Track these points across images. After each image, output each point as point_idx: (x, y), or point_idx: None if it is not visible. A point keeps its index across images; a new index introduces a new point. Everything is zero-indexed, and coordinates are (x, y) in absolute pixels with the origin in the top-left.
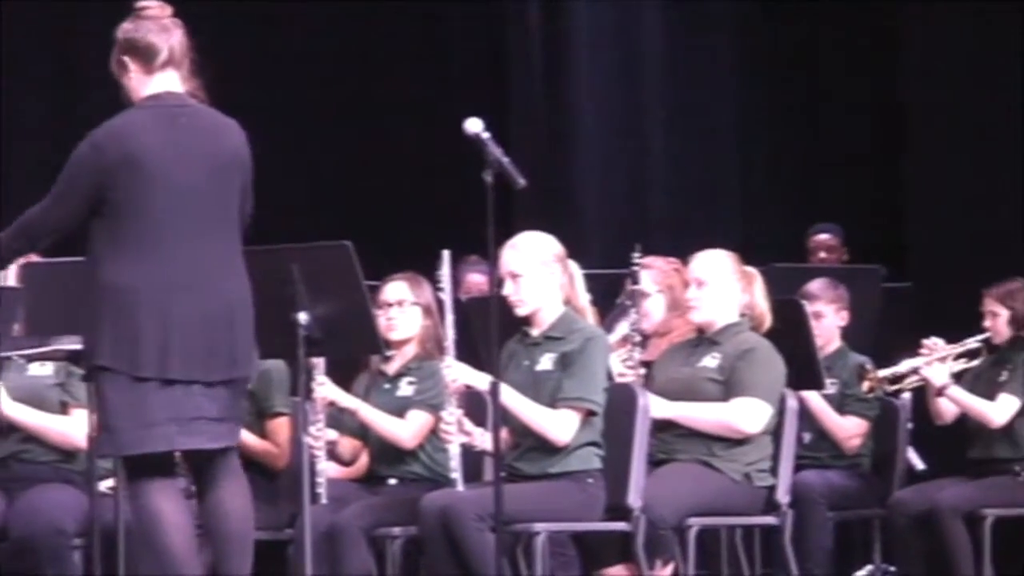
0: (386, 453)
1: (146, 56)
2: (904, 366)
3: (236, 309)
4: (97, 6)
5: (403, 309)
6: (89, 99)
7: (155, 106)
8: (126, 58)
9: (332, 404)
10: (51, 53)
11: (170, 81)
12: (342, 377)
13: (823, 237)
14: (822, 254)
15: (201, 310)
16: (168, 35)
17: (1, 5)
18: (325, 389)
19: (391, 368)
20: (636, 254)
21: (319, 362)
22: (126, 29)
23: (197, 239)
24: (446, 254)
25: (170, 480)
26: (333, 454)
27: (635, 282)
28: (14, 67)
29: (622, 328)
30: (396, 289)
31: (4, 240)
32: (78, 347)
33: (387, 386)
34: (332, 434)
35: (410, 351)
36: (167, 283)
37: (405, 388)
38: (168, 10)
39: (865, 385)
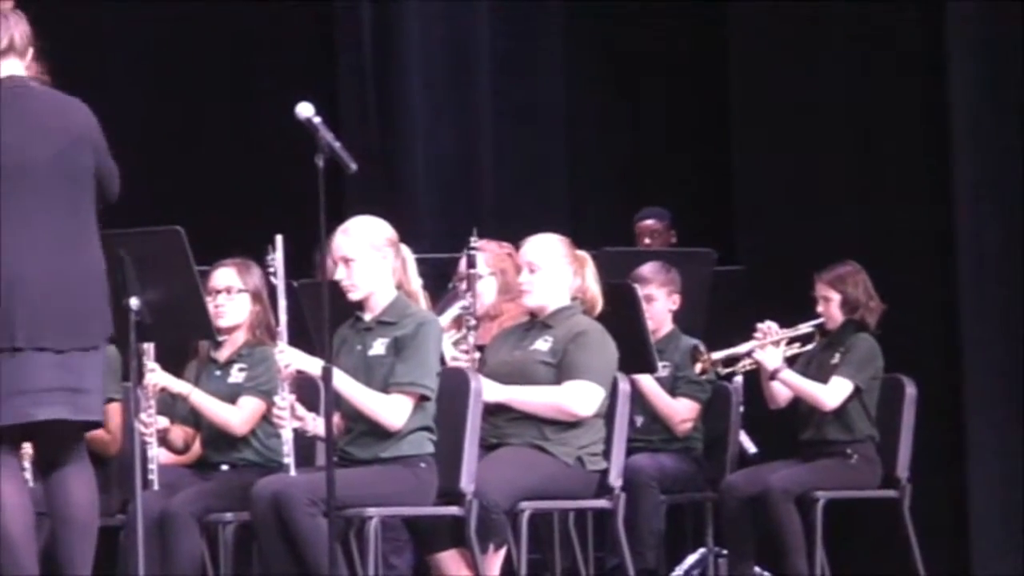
0: (218, 439)
1: None
2: (738, 349)
3: (88, 278)
4: None
5: (231, 296)
6: None
7: None
8: None
9: (163, 390)
10: None
11: (12, 67)
12: (172, 364)
13: (648, 223)
14: (647, 240)
15: (50, 280)
16: (7, 25)
17: None
18: (156, 375)
19: (221, 355)
20: (473, 238)
21: (149, 348)
22: None
23: (46, 213)
24: (279, 239)
25: (13, 460)
26: (165, 441)
27: (471, 265)
28: None
29: (453, 311)
30: (224, 275)
31: None
32: None
33: (218, 373)
34: (163, 421)
35: (240, 337)
36: (13, 254)
37: (236, 374)
38: (8, 3)
39: (698, 367)
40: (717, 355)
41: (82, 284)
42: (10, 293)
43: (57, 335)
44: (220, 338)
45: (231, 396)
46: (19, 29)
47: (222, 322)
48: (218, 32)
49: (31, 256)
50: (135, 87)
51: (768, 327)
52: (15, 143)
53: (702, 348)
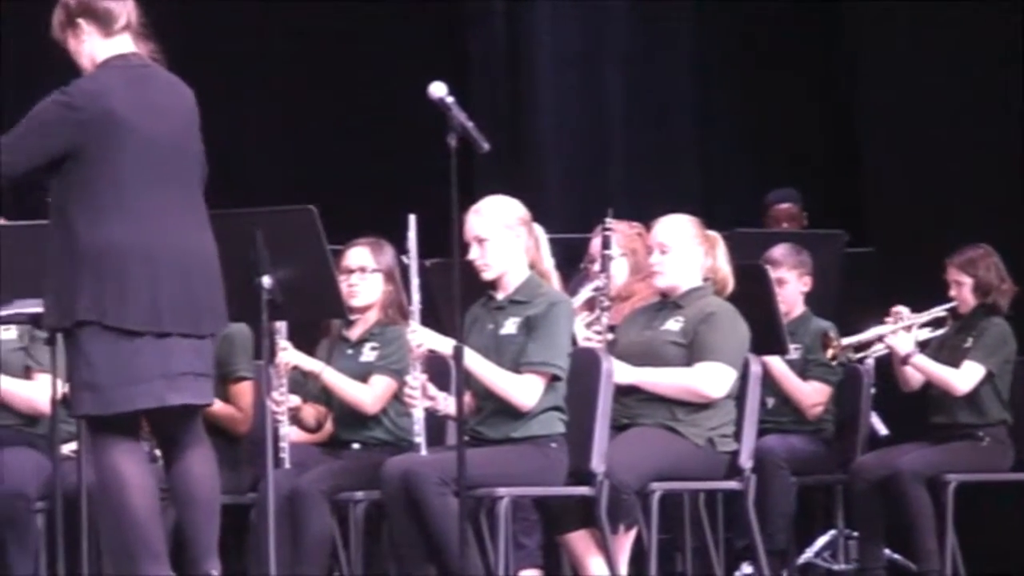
0: (349, 418)
1: (105, 20)
2: (869, 334)
3: (211, 263)
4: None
5: (364, 276)
6: None
7: (122, 66)
8: (81, 21)
9: (295, 369)
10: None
11: (127, 44)
12: (304, 342)
13: (784, 207)
14: (784, 224)
15: (184, 264)
16: (125, 3)
17: None
18: (288, 354)
19: (353, 333)
20: (608, 219)
21: (281, 326)
22: None
23: (170, 194)
24: (412, 218)
25: (135, 442)
26: (296, 419)
27: (606, 246)
28: None
29: (585, 293)
30: (357, 255)
31: None
32: (41, 310)
33: (350, 351)
34: (295, 399)
35: (372, 316)
36: (148, 237)
37: (368, 353)
38: None
39: (829, 353)
40: (848, 341)
41: (214, 269)
42: (151, 278)
43: (198, 320)
44: (351, 317)
45: (362, 375)
46: (131, 4)
47: (355, 302)
48: (355, 19)
49: (164, 240)
50: (262, 67)
51: (900, 312)
52: (141, 124)
53: (832, 335)
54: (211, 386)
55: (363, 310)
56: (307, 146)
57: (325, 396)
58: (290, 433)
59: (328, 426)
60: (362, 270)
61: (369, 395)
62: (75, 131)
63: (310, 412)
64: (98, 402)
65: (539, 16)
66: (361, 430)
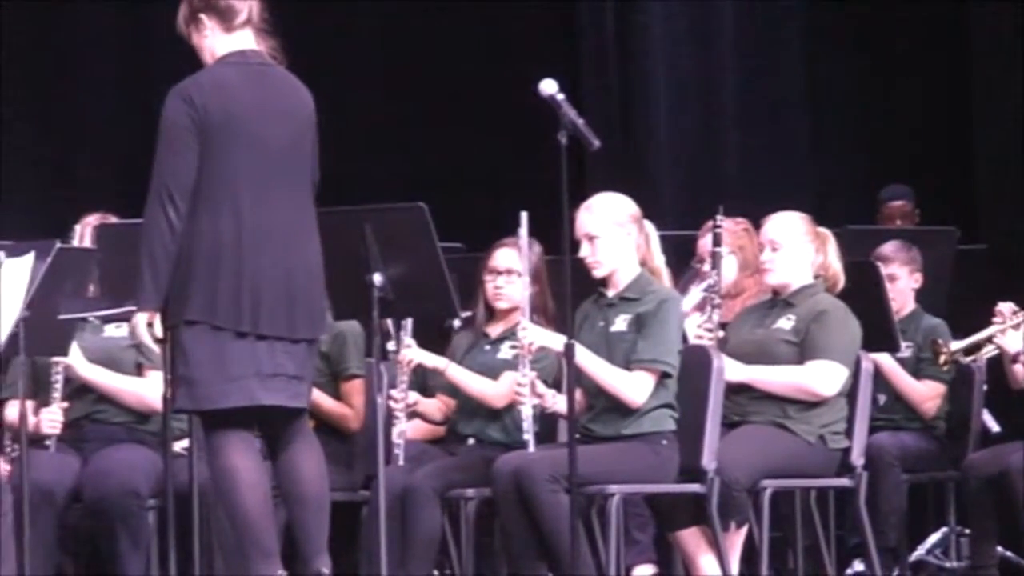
0: (470, 410)
1: (225, 15)
2: (978, 336)
3: (314, 268)
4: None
5: (511, 278)
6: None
7: (241, 63)
8: (203, 16)
9: (419, 366)
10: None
11: (247, 40)
12: (429, 339)
13: (897, 204)
14: (898, 221)
15: (285, 267)
16: None
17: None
18: (411, 351)
19: (494, 330)
20: (719, 216)
21: (406, 323)
22: None
23: (278, 197)
24: (524, 215)
25: (248, 438)
26: (420, 413)
27: (717, 243)
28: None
29: (695, 294)
30: (506, 257)
31: (152, 213)
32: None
33: (487, 347)
34: (414, 396)
35: (515, 316)
36: (253, 239)
37: (506, 351)
38: None
39: (941, 359)
40: (956, 346)
41: (317, 274)
42: (252, 280)
43: (294, 325)
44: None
45: (496, 371)
46: (257, 3)
47: (500, 304)
48: (466, 17)
49: (268, 243)
50: (374, 63)
51: (1005, 310)
52: (255, 125)
53: (941, 342)
54: (306, 389)
55: (507, 312)
56: (419, 143)
57: (452, 389)
58: (407, 429)
59: None
60: (509, 272)
61: (495, 389)
62: (196, 128)
63: (437, 406)
64: (191, 398)
65: (650, 13)
66: (479, 424)
